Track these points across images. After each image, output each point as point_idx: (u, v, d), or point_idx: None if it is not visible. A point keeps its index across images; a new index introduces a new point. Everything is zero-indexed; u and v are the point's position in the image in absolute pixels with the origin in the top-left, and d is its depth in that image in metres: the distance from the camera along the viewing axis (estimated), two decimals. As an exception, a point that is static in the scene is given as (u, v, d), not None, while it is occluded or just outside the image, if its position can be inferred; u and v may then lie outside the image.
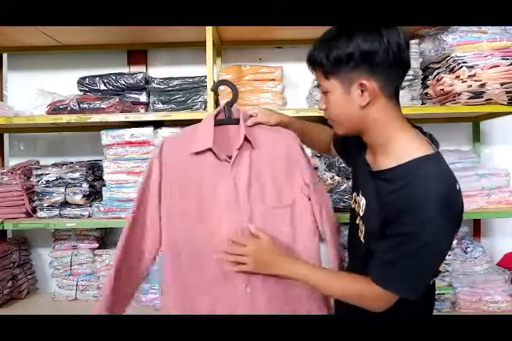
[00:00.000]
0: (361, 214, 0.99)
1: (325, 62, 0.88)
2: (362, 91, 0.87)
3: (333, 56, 0.86)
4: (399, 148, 0.90)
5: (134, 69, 2.24)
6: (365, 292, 0.91)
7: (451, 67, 1.77)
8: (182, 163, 1.04)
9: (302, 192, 1.07)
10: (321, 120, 1.95)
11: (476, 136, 2.23)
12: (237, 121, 1.07)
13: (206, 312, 1.05)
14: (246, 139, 1.04)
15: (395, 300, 0.90)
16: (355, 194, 1.07)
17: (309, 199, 1.07)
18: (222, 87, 1.92)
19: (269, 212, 1.04)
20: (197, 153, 1.02)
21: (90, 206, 1.91)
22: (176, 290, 1.06)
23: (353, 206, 1.08)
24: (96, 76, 2.02)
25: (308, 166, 1.09)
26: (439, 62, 1.87)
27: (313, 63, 0.92)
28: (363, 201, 0.99)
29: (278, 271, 0.99)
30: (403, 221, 0.83)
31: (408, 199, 0.83)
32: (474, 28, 1.72)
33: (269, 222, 1.04)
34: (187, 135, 1.08)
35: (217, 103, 1.94)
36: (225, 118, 1.09)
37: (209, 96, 1.78)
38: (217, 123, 1.08)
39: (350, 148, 1.11)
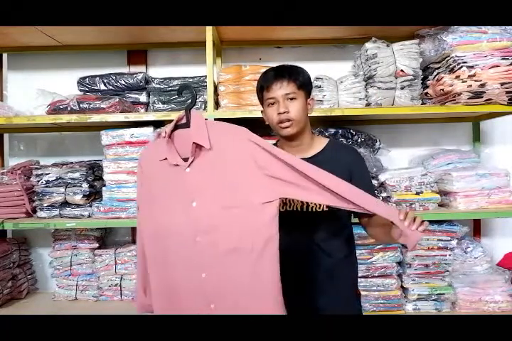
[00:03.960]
0: None
1: (300, 78, 1.29)
2: (309, 103, 1.34)
3: (305, 76, 1.33)
4: (317, 139, 1.39)
5: (134, 69, 2.25)
6: None
7: (451, 67, 1.77)
8: (153, 168, 1.18)
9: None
10: (321, 120, 1.96)
11: (476, 136, 2.23)
12: (189, 125, 1.17)
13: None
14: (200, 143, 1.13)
15: None
16: None
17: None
18: (222, 88, 1.93)
19: (222, 212, 1.09)
20: (162, 160, 1.17)
21: (90, 206, 1.91)
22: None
23: (292, 204, 1.33)
24: (96, 76, 2.02)
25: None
26: (439, 62, 1.87)
27: (291, 77, 1.28)
28: None
29: None
30: (360, 169, 1.34)
31: (356, 156, 1.37)
32: (474, 28, 1.72)
33: (222, 221, 1.09)
34: (157, 143, 1.22)
35: (217, 103, 1.94)
36: (182, 124, 1.19)
37: (209, 96, 1.79)
38: (177, 128, 1.20)
39: None
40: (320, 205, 1.30)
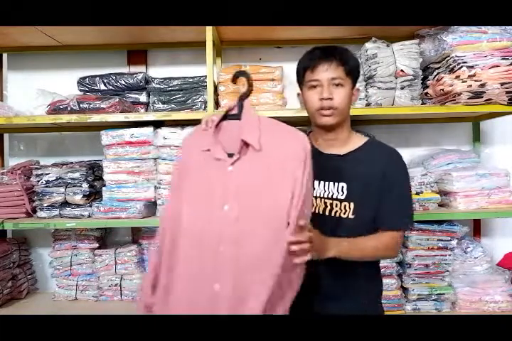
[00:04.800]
0: (342, 197, 1.17)
1: (351, 63, 1.16)
2: (353, 94, 1.20)
3: (355, 62, 1.19)
4: (355, 137, 1.25)
5: (134, 69, 2.25)
6: (388, 242, 1.15)
7: (451, 67, 1.77)
8: (192, 157, 1.07)
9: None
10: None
11: (476, 136, 2.23)
12: (239, 118, 1.05)
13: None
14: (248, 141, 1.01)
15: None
16: (319, 191, 1.20)
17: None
18: (222, 88, 1.93)
19: (252, 222, 0.97)
20: (204, 150, 1.05)
21: (90, 206, 1.91)
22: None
23: (315, 205, 1.20)
24: (96, 76, 2.02)
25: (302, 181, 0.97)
26: (439, 62, 1.87)
27: (341, 59, 1.14)
28: (339, 186, 1.18)
29: (330, 254, 1.04)
30: (397, 174, 1.17)
31: (391, 157, 1.19)
32: (474, 28, 1.72)
33: (250, 231, 0.96)
34: (203, 131, 1.09)
35: (217, 103, 1.94)
36: (233, 114, 1.07)
37: (209, 96, 1.79)
38: (226, 118, 1.07)
39: None
40: (346, 211, 1.16)
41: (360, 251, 1.12)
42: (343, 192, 1.16)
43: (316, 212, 1.18)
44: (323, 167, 1.16)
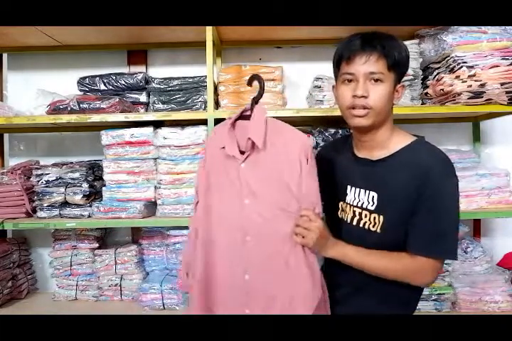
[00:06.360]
0: (371, 208, 1.06)
1: (395, 55, 0.99)
2: (397, 91, 1.05)
3: (402, 53, 1.01)
4: (397, 138, 1.07)
5: (134, 69, 2.25)
6: (410, 266, 1.01)
7: (451, 67, 1.77)
8: (214, 155, 1.16)
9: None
10: (321, 120, 1.96)
11: (476, 136, 2.23)
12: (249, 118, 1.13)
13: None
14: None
15: (440, 269, 1.01)
16: (349, 198, 1.13)
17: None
18: (222, 88, 1.93)
19: (273, 214, 1.06)
20: (221, 148, 1.13)
21: (90, 206, 1.90)
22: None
23: (345, 212, 1.14)
24: (96, 76, 2.02)
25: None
26: (439, 62, 1.87)
27: (384, 50, 0.98)
28: (370, 195, 1.06)
29: (331, 252, 1.05)
30: (438, 188, 0.97)
31: (435, 168, 0.99)
32: (474, 28, 1.72)
33: (272, 223, 1.06)
34: (223, 130, 1.17)
35: (217, 103, 1.94)
36: (247, 115, 1.15)
37: (209, 96, 1.78)
38: (241, 118, 1.15)
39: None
40: (374, 224, 1.04)
41: (368, 265, 1.03)
42: (374, 203, 1.05)
43: (345, 219, 1.12)
44: (355, 172, 1.11)
